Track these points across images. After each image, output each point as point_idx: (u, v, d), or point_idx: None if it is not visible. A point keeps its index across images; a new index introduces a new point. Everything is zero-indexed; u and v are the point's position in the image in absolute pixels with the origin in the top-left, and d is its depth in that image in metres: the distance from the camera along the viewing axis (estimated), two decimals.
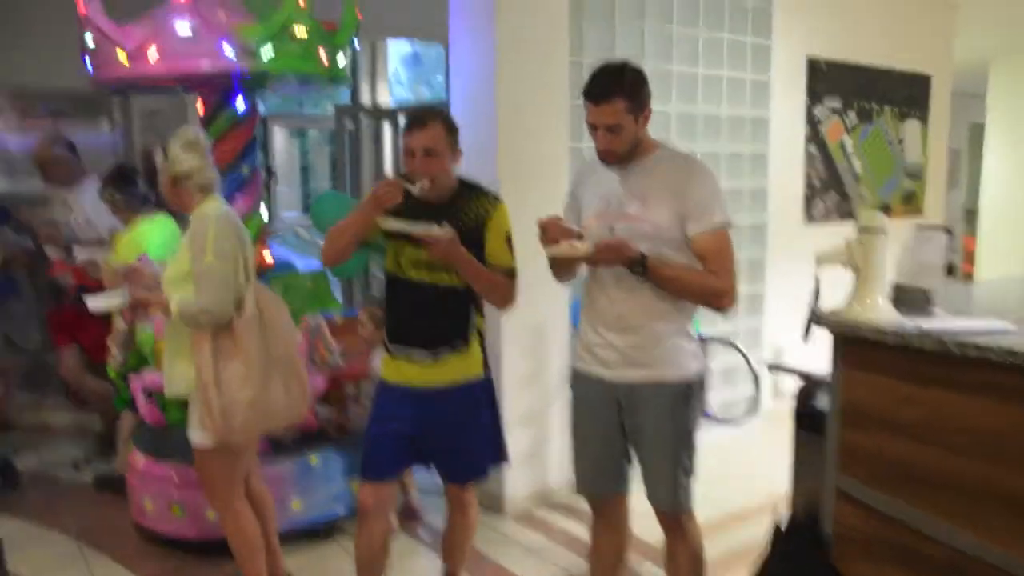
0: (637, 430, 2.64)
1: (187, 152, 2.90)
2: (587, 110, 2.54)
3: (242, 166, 3.86)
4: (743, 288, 4.78)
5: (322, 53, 3.65)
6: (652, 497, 2.70)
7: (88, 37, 3.49)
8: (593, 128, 2.55)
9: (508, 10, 3.95)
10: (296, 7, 3.47)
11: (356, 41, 4.00)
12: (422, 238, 2.62)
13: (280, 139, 9.24)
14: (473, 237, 2.75)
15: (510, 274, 2.84)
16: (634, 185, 2.57)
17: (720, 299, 2.55)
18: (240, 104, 3.79)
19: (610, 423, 2.67)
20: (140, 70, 3.40)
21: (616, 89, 2.48)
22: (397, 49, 8.85)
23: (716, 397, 4.97)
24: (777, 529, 2.67)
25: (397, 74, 9.05)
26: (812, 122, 5.64)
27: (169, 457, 3.60)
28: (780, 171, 5.37)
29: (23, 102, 7.58)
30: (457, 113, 4.28)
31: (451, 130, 2.75)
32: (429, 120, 2.71)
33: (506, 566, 3.65)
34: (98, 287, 4.18)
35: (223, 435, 2.82)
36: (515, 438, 4.02)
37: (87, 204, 4.67)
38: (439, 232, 2.60)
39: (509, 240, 2.83)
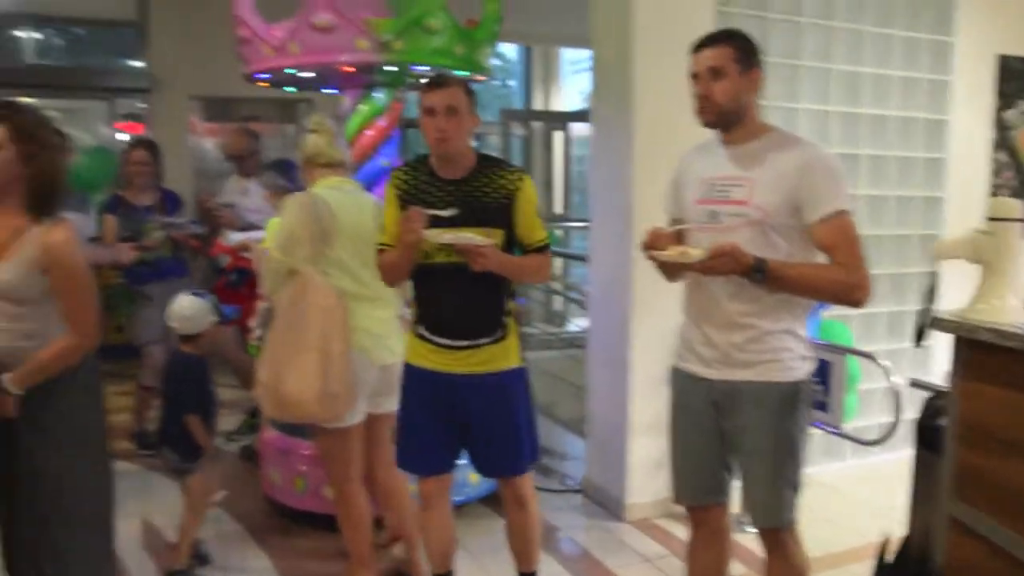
0: (736, 435, 2.48)
1: (314, 133, 3.12)
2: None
3: (380, 158, 3.98)
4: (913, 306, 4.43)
5: (458, 48, 3.71)
6: (750, 510, 2.54)
7: (240, 34, 3.72)
8: (694, 78, 2.42)
9: (650, 8, 3.84)
10: (431, 1, 3.55)
11: (497, 37, 4.02)
12: (466, 250, 2.55)
13: None
14: (499, 215, 2.68)
15: (544, 248, 2.77)
16: (741, 168, 2.41)
17: (854, 293, 2.32)
18: (380, 97, 3.92)
19: (707, 426, 2.52)
20: (283, 63, 3.59)
21: (724, 37, 2.42)
22: (573, 56, 8.89)
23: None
24: (881, 562, 2.42)
25: (572, 80, 9.09)
26: (1001, 127, 5.12)
27: (296, 433, 3.76)
28: (960, 179, 4.91)
29: (218, 109, 8.26)
30: (598, 116, 4.23)
31: (470, 93, 2.71)
32: (450, 80, 2.69)
33: (620, 574, 3.53)
34: (250, 267, 4.48)
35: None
36: (640, 445, 3.93)
37: (261, 193, 5.00)
38: (482, 241, 2.54)
39: (537, 214, 2.76)
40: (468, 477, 3.75)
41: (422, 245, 2.58)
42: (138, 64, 7.85)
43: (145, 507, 4.04)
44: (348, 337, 2.95)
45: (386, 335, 3.11)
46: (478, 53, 3.84)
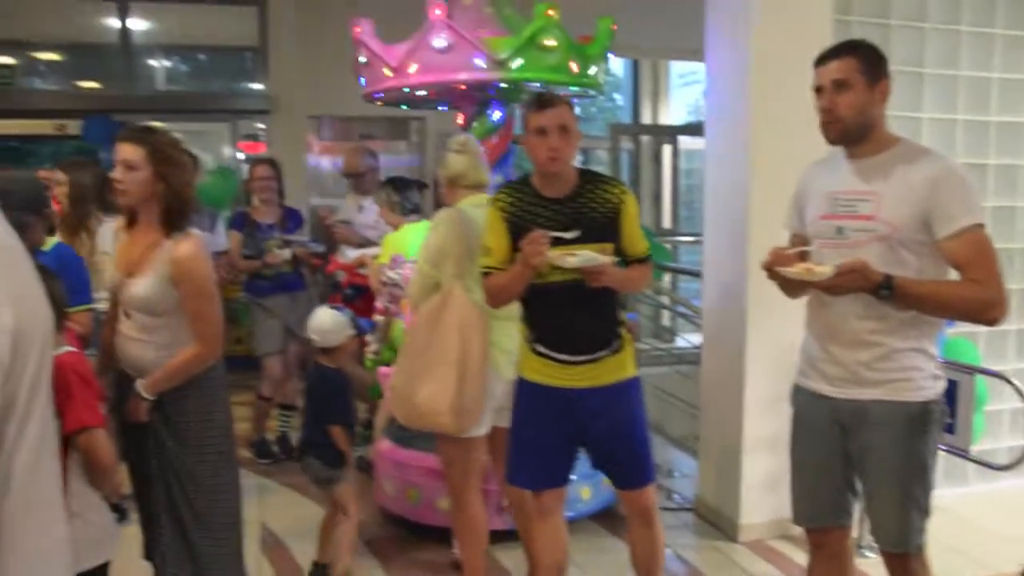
0: (862, 456, 2.40)
1: (459, 154, 3.18)
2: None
3: (495, 175, 4.03)
4: None
5: (572, 64, 3.74)
6: (876, 533, 2.46)
7: (360, 57, 3.85)
8: (819, 91, 2.38)
9: (767, 19, 3.78)
10: (546, 19, 3.59)
11: (610, 54, 4.03)
12: (588, 271, 2.55)
13: None
14: (606, 229, 2.68)
15: (646, 259, 2.80)
16: (867, 182, 2.35)
17: (990, 311, 2.24)
18: (495, 115, 3.98)
19: (831, 447, 2.45)
20: (401, 83, 3.69)
21: (849, 48, 2.37)
22: (681, 68, 8.82)
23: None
24: None
25: (680, 94, 9.01)
26: None
27: (411, 445, 3.83)
28: None
29: (340, 127, 8.55)
30: (712, 129, 4.19)
31: (574, 111, 2.71)
32: (558, 99, 2.69)
33: None
34: (365, 284, 4.60)
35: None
36: (755, 463, 3.85)
37: (376, 209, 5.14)
38: (605, 260, 2.56)
39: (640, 226, 2.79)
40: (580, 493, 3.76)
41: (544, 266, 2.58)
42: (258, 87, 8.20)
43: (263, 513, 4.17)
44: (486, 353, 2.99)
45: (516, 351, 3.08)
46: (592, 69, 3.86)
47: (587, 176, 2.76)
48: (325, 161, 8.36)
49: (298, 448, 3.55)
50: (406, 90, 3.83)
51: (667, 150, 8.29)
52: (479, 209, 3.07)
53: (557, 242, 2.58)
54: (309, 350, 3.71)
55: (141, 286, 2.63)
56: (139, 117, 7.83)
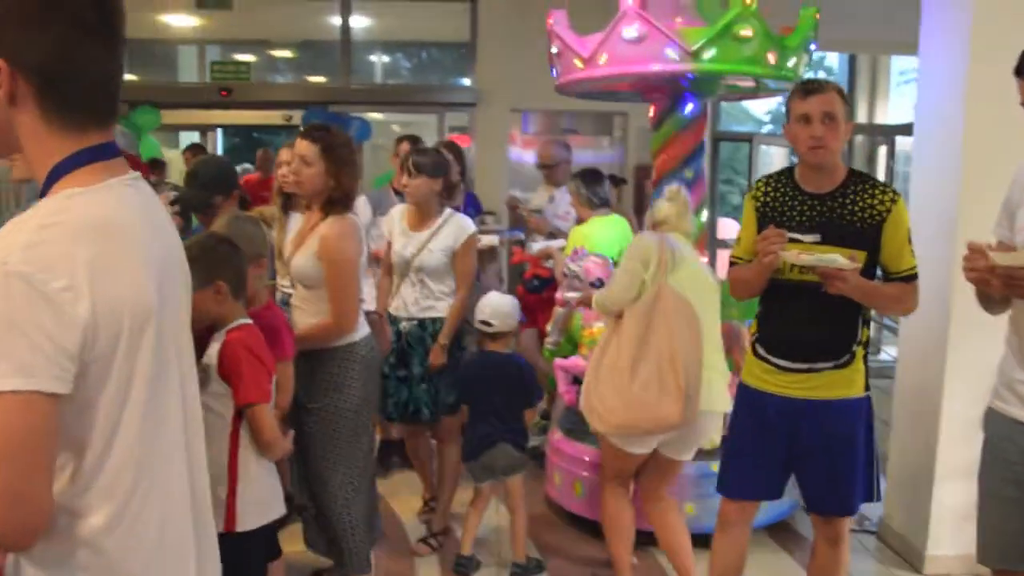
0: None
1: (669, 203, 3.18)
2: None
3: (685, 170, 3.93)
4: None
5: (770, 56, 3.58)
6: None
7: (553, 47, 3.86)
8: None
9: (985, 15, 3.45)
10: (743, 8, 3.45)
11: (812, 45, 3.82)
12: (825, 273, 2.40)
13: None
14: (865, 237, 2.48)
15: (911, 279, 2.53)
16: None
17: None
18: (688, 107, 3.88)
19: (1022, 481, 2.20)
20: (592, 74, 3.67)
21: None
22: (903, 65, 8.25)
23: None
24: None
25: (900, 91, 8.43)
26: None
27: (582, 438, 3.82)
28: None
29: (544, 121, 8.67)
30: (922, 128, 3.89)
31: (845, 99, 2.54)
32: (826, 84, 2.53)
33: None
34: (549, 275, 4.62)
35: (592, 421, 2.96)
36: (949, 491, 3.54)
37: (567, 200, 5.16)
38: (845, 264, 2.36)
39: (910, 239, 2.52)
40: (685, 507, 3.54)
41: (777, 264, 2.48)
42: (466, 81, 8.46)
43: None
44: (701, 345, 2.91)
45: (708, 383, 2.97)
46: (791, 61, 3.67)
47: (857, 176, 2.59)
48: (528, 155, 8.51)
49: (479, 441, 3.42)
50: (597, 82, 3.81)
51: (882, 152, 7.78)
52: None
53: (796, 243, 2.47)
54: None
55: (298, 259, 2.96)
56: (355, 108, 8.35)
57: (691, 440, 3.03)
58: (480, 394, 3.44)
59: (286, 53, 9.63)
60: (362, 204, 4.07)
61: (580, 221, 4.54)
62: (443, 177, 3.72)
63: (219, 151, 10.67)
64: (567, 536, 3.87)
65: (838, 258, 2.36)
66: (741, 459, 2.71)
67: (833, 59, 8.30)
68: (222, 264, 2.37)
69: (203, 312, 2.35)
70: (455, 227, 3.69)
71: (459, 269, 3.70)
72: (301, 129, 3.08)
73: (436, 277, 3.68)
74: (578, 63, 3.71)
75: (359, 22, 8.62)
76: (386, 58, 9.58)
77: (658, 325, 2.88)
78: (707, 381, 2.93)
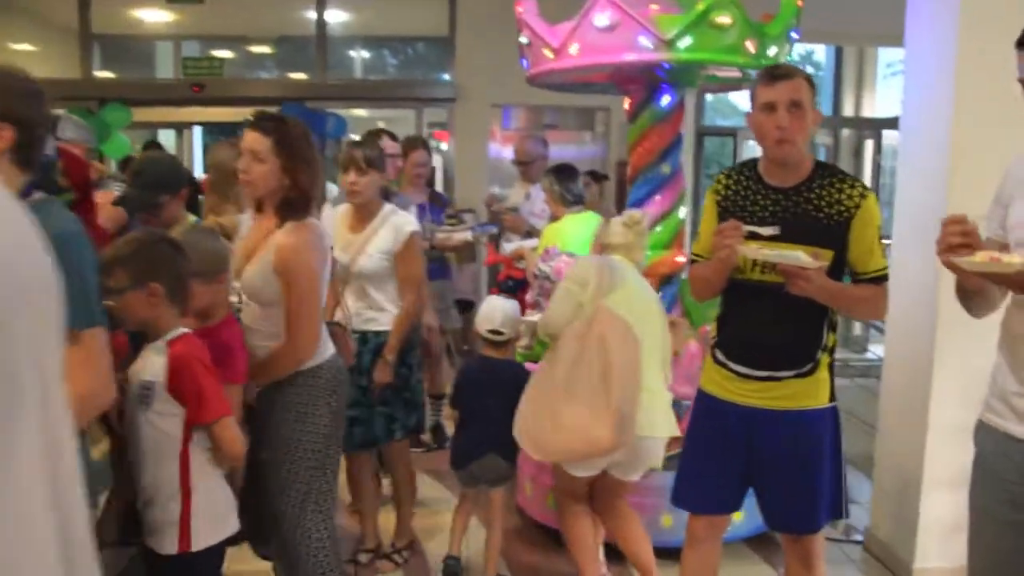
0: None
1: (626, 228, 3.07)
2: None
3: (662, 165, 3.78)
4: None
5: (749, 44, 3.42)
6: None
7: (523, 37, 3.69)
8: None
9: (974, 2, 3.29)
10: None
11: (794, 33, 3.66)
12: (786, 271, 2.23)
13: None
14: (831, 234, 2.31)
15: (880, 280, 2.36)
16: None
17: None
18: (665, 99, 3.71)
19: (1019, 501, 2.03)
20: (562, 65, 3.50)
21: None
22: (890, 57, 8.11)
23: None
24: None
25: (888, 84, 8.30)
26: None
27: None
28: None
29: (525, 117, 8.50)
30: (909, 121, 3.74)
31: (812, 86, 2.35)
32: (792, 71, 2.35)
33: None
34: (523, 277, 4.45)
35: (525, 446, 2.89)
36: (937, 501, 3.38)
37: (543, 197, 4.99)
38: (808, 263, 2.19)
39: (880, 238, 2.35)
40: (662, 520, 3.42)
41: (735, 261, 2.31)
42: (445, 76, 8.30)
43: None
44: (638, 366, 2.79)
45: (650, 408, 2.86)
46: (771, 50, 3.51)
47: (824, 169, 2.41)
48: (508, 151, 8.34)
49: (468, 449, 3.27)
50: (569, 73, 3.65)
51: (869, 146, 7.65)
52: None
53: (754, 238, 2.29)
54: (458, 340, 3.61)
55: (250, 273, 2.56)
56: (332, 104, 8.17)
57: (636, 463, 2.93)
58: (473, 399, 3.28)
59: (263, 48, 9.45)
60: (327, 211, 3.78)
61: (555, 219, 4.38)
62: (384, 170, 3.42)
63: (197, 150, 10.46)
64: (538, 547, 3.70)
65: (801, 255, 2.19)
66: (696, 469, 2.55)
67: (821, 53, 8.15)
68: (158, 265, 2.18)
69: (131, 314, 2.18)
70: (393, 226, 3.29)
71: (401, 274, 3.31)
72: (249, 119, 2.61)
73: (377, 284, 3.30)
74: (548, 53, 3.54)
75: (336, 16, 8.44)
76: (364, 53, 9.40)
77: (592, 345, 2.76)
78: (647, 405, 2.80)
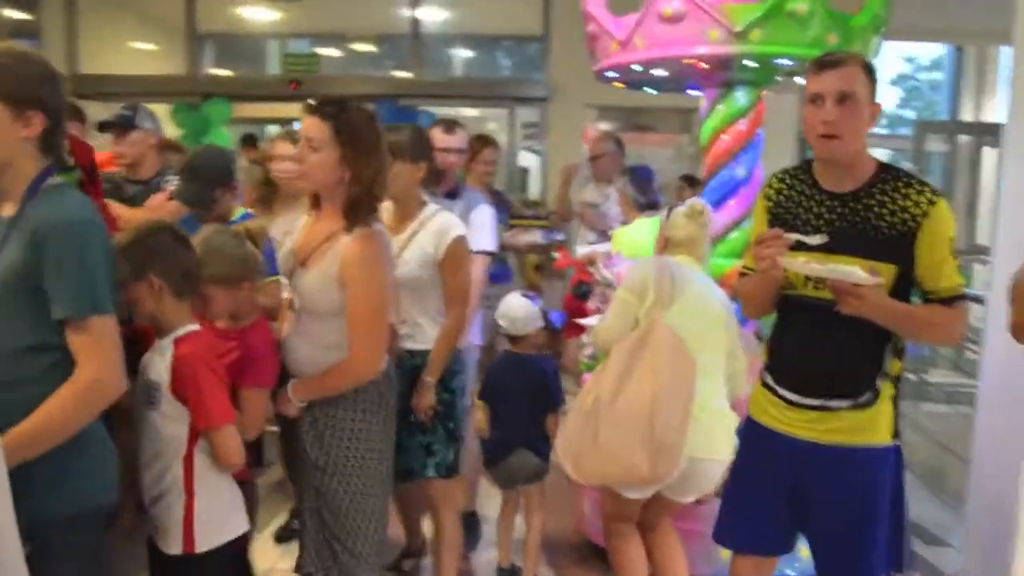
0: None
1: (687, 219, 2.89)
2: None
3: (736, 167, 3.52)
4: None
5: (832, 38, 3.14)
6: None
7: (588, 30, 3.51)
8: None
9: None
10: None
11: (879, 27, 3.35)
12: (837, 287, 1.97)
13: None
14: (894, 247, 2.03)
15: (954, 300, 2.05)
16: None
17: None
18: (738, 97, 3.46)
19: None
20: (628, 58, 3.30)
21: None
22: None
23: None
24: None
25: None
26: None
27: None
28: None
29: (622, 118, 8.29)
30: (1014, 127, 3.36)
31: (872, 77, 2.06)
32: (845, 58, 2.07)
33: None
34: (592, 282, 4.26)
35: (567, 466, 2.71)
36: (975, 521, 3.10)
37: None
38: (863, 278, 1.92)
39: (953, 252, 2.04)
40: (799, 551, 3.15)
41: (780, 274, 2.08)
42: (538, 76, 8.17)
43: None
44: (691, 392, 2.60)
45: (709, 428, 2.65)
46: (858, 43, 3.22)
47: (888, 172, 2.11)
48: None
49: (499, 446, 3.23)
50: (637, 68, 3.44)
51: (989, 153, 7.10)
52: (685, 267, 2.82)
53: (801, 247, 2.03)
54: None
55: (309, 280, 2.35)
56: (425, 102, 8.16)
57: (689, 485, 2.70)
58: (500, 395, 3.26)
59: (362, 46, 9.54)
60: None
61: (627, 223, 4.17)
62: (426, 162, 2.92)
63: None
64: (592, 568, 3.50)
65: (856, 270, 1.92)
66: (741, 505, 2.32)
67: (934, 51, 7.63)
68: (153, 257, 2.09)
69: (139, 307, 2.13)
70: (435, 230, 2.84)
71: (448, 284, 2.86)
72: (310, 103, 2.34)
73: (414, 296, 2.86)
74: (614, 47, 3.35)
75: (432, 15, 8.44)
76: (459, 52, 9.39)
77: (642, 366, 2.57)
78: (706, 425, 2.58)
